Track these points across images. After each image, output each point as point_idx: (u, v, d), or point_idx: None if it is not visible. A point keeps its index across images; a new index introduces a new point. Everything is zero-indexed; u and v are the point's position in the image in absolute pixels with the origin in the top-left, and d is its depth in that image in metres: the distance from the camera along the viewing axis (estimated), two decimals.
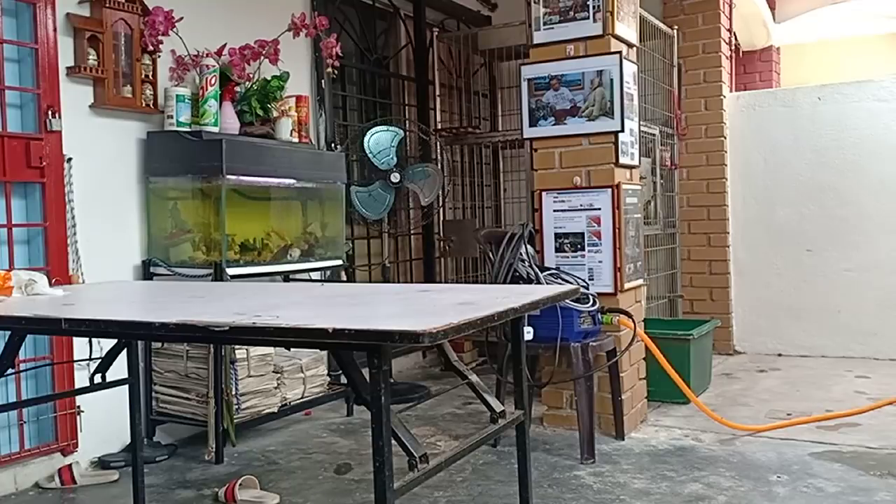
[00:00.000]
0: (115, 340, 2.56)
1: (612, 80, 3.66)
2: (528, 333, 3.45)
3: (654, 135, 5.22)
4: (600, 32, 3.69)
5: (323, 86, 4.71)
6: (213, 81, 3.70)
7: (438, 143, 5.43)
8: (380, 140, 4.60)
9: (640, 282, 4.05)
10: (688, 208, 5.77)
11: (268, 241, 3.99)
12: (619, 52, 3.67)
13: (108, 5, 3.46)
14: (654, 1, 5.59)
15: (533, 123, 3.85)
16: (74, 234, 3.38)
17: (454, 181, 5.81)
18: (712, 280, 5.74)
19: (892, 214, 5.33)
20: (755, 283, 5.73)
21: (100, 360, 2.56)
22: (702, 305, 5.73)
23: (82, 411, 3.37)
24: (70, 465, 3.28)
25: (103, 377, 2.56)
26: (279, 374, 3.84)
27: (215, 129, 3.70)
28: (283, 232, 4.11)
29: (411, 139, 5.46)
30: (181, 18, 3.68)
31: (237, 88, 3.91)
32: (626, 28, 3.82)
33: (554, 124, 3.80)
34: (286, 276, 4.05)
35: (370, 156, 4.59)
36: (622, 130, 3.69)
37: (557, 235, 3.84)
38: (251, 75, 3.96)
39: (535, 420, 3.88)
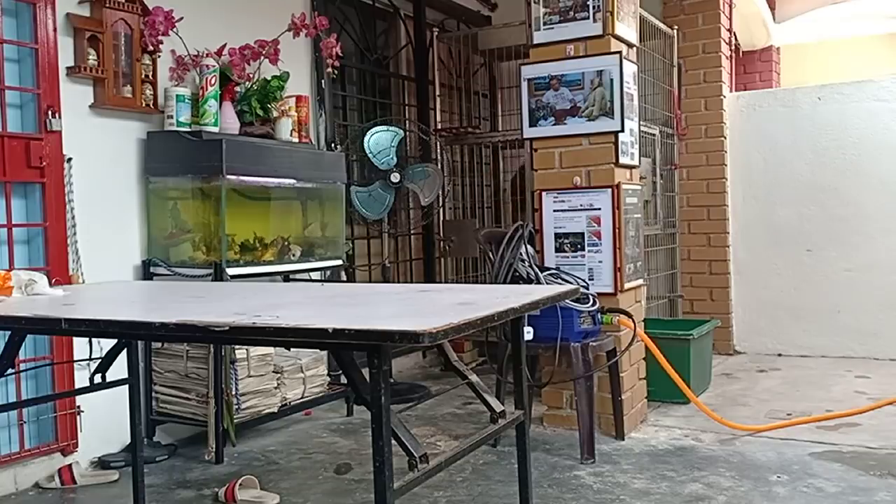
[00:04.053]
0: (115, 340, 2.56)
1: (612, 80, 3.66)
2: (528, 333, 3.45)
3: (654, 135, 5.22)
4: (600, 32, 3.69)
5: (323, 86, 4.70)
6: (213, 81, 3.70)
7: (438, 143, 5.43)
8: (380, 140, 4.60)
9: (640, 282, 4.05)
10: (688, 208, 5.77)
11: (268, 241, 3.98)
12: (619, 52, 3.67)
13: (108, 5, 3.46)
14: (654, 1, 5.58)
15: (533, 123, 3.85)
16: (74, 234, 3.38)
17: (454, 181, 5.80)
18: (712, 280, 5.74)
19: (892, 214, 5.33)
20: (755, 283, 5.73)
21: (100, 360, 2.56)
22: (702, 305, 5.73)
23: (82, 411, 3.37)
24: (70, 465, 3.28)
25: (103, 377, 2.56)
26: (279, 374, 3.84)
27: (215, 129, 3.70)
28: (283, 232, 4.11)
29: (411, 139, 5.46)
30: (181, 18, 3.68)
31: (237, 88, 3.91)
32: (626, 28, 3.82)
33: (554, 124, 3.80)
34: (286, 276, 4.05)
35: (370, 156, 4.58)
36: (622, 130, 3.69)
37: (557, 235, 3.84)
38: (251, 75, 3.97)
39: (535, 420, 3.88)
